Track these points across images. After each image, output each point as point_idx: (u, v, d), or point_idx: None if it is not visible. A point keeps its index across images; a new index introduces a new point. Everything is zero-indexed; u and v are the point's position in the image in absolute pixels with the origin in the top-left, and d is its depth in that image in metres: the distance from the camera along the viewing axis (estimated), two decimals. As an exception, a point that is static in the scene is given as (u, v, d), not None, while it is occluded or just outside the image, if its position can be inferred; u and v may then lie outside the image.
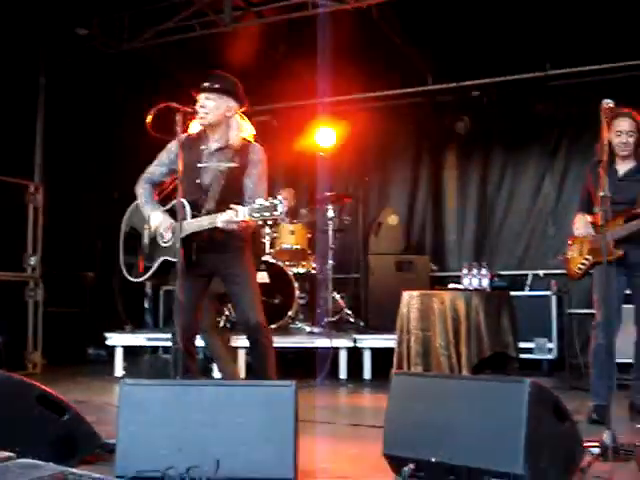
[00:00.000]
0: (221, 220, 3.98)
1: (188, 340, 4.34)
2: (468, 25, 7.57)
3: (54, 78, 8.24)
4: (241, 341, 6.70)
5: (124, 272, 4.62)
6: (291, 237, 8.10)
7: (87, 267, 8.73)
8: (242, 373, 6.93)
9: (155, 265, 4.39)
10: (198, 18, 7.95)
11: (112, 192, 8.20)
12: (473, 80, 8.92)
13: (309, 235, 8.32)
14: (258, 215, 3.82)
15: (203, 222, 4.13)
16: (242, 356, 7.04)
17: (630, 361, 4.99)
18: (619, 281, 4.69)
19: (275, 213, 3.79)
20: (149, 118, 4.09)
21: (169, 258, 4.23)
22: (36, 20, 7.68)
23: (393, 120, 9.51)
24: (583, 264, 4.98)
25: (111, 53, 8.33)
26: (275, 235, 8.14)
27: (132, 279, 4.59)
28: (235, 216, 3.91)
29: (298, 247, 8.12)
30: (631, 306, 4.93)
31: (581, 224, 4.96)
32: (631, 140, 4.82)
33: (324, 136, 9.08)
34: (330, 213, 8.16)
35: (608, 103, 4.09)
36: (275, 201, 3.78)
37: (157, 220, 4.34)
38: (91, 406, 4.99)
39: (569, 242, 5.18)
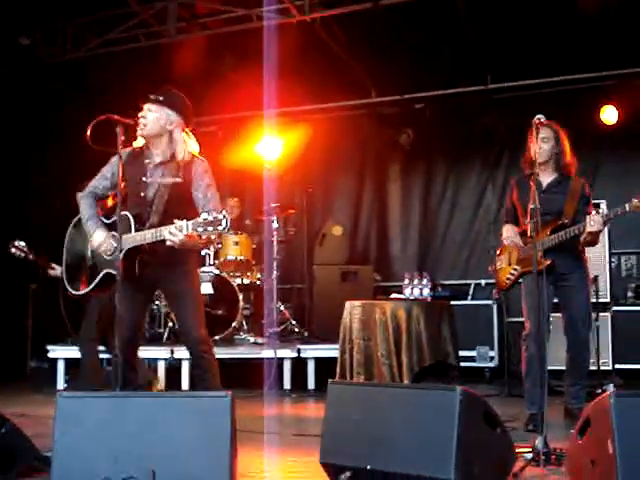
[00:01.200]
0: (168, 238, 3.94)
1: (129, 352, 4.33)
2: (411, 39, 7.67)
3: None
4: (185, 352, 6.67)
5: (66, 285, 4.59)
6: (235, 248, 8.10)
7: (29, 279, 8.59)
8: (186, 385, 6.94)
9: (98, 277, 4.38)
10: (143, 29, 7.92)
11: (54, 202, 8.10)
12: (416, 93, 9.04)
13: (254, 246, 8.34)
14: (202, 230, 3.80)
15: (147, 235, 4.12)
16: (186, 368, 7.03)
17: (563, 368, 5.10)
18: (547, 290, 4.75)
19: (219, 228, 3.76)
20: (89, 130, 4.06)
21: (112, 271, 4.20)
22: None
23: (337, 132, 9.56)
24: (512, 274, 5.08)
25: (54, 62, 8.23)
26: (219, 246, 8.14)
27: (74, 292, 4.56)
28: (179, 231, 3.89)
29: (242, 258, 8.13)
30: (560, 314, 5.07)
31: (510, 234, 5.07)
32: (545, 147, 4.90)
33: (269, 147, 9.11)
34: (275, 224, 8.19)
35: (539, 118, 4.21)
36: (219, 216, 3.76)
37: (99, 240, 4.29)
38: (30, 419, 4.93)
39: (497, 252, 5.28)
